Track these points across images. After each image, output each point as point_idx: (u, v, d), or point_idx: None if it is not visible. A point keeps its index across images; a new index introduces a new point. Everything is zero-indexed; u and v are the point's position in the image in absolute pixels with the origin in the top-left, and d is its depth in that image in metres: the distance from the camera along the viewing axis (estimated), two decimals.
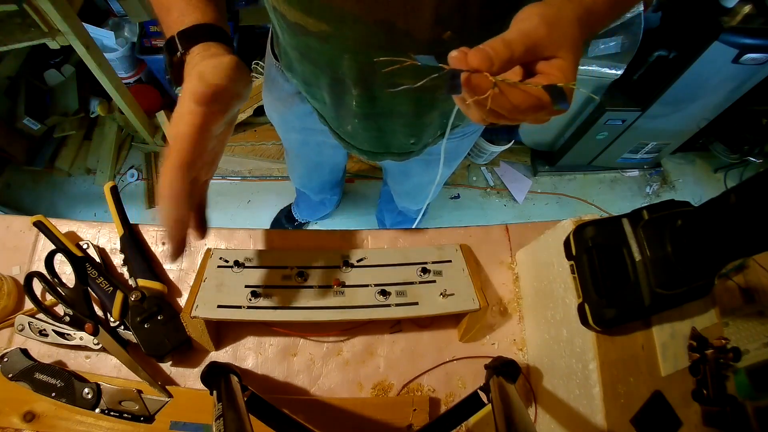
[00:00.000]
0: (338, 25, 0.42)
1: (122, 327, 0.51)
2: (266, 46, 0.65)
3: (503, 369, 0.45)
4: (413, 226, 0.66)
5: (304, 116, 0.67)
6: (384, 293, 0.50)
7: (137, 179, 1.68)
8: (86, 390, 0.47)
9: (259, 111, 1.65)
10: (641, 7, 1.11)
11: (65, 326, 0.50)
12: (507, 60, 0.30)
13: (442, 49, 0.43)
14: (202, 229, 0.42)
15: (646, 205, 0.41)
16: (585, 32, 0.34)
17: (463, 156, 0.88)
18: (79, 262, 0.51)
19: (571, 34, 0.32)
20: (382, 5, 0.39)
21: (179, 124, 0.35)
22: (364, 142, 0.65)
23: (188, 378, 0.52)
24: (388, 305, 0.49)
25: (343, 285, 0.51)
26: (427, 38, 0.42)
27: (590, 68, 1.25)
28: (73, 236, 0.57)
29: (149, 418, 0.47)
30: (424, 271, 0.52)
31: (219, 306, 0.48)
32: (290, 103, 0.68)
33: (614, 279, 0.40)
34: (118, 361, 0.49)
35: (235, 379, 0.43)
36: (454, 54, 0.30)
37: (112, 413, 0.47)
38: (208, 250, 0.54)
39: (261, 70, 1.55)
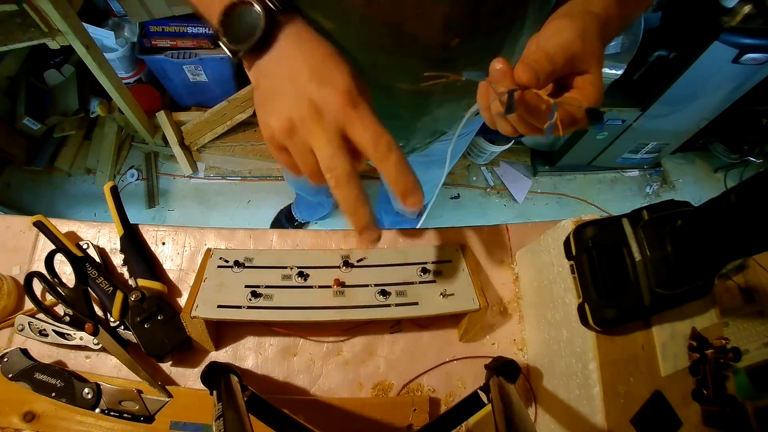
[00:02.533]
0: (344, 24, 0.41)
1: (122, 327, 0.51)
2: None
3: (503, 369, 0.45)
4: (416, 227, 0.66)
5: None
6: (384, 293, 0.50)
7: (137, 179, 1.68)
8: (86, 390, 0.47)
9: None
10: None
11: (65, 326, 0.50)
12: (550, 74, 0.31)
13: (448, 56, 0.43)
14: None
15: (646, 205, 0.41)
16: (603, 46, 0.35)
17: (458, 156, 0.88)
18: (79, 262, 0.51)
19: (598, 48, 0.33)
20: (393, 7, 0.38)
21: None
22: None
23: (188, 378, 0.52)
24: (388, 305, 0.49)
25: (343, 285, 0.51)
26: (435, 44, 0.41)
27: None
28: (73, 236, 0.57)
29: (149, 418, 0.47)
30: (424, 271, 0.52)
31: (219, 306, 0.48)
32: None
33: (614, 279, 0.40)
34: (118, 361, 0.49)
35: (235, 379, 0.43)
36: (498, 66, 0.31)
37: (112, 413, 0.47)
38: (208, 250, 0.54)
39: None
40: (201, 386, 0.45)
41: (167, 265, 0.57)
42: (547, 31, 0.33)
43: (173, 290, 0.56)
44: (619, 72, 1.25)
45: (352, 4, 0.39)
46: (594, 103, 0.32)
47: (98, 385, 0.47)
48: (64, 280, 0.51)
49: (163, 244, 0.58)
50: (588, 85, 0.33)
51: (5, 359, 0.47)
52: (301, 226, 1.64)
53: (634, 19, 0.44)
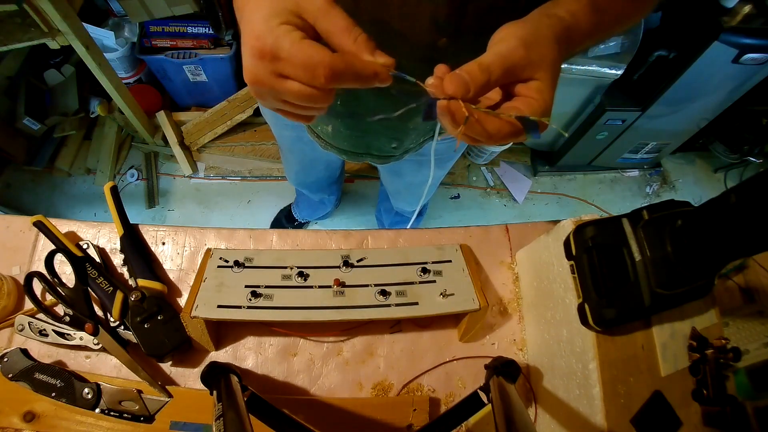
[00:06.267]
0: None
1: (122, 327, 0.51)
2: None
3: (503, 369, 0.45)
4: (407, 227, 0.66)
5: None
6: (384, 293, 0.50)
7: (137, 179, 1.68)
8: (86, 390, 0.47)
9: (260, 111, 1.65)
10: None
11: (65, 326, 0.50)
12: (483, 85, 0.30)
13: (436, 56, 0.43)
14: None
15: (646, 205, 0.41)
16: (563, 51, 0.34)
17: (456, 158, 0.88)
18: (79, 262, 0.51)
19: (549, 55, 0.32)
20: (379, 5, 0.38)
21: None
22: (344, 141, 0.64)
23: (188, 378, 0.52)
24: (388, 305, 0.49)
25: (343, 285, 0.51)
26: (423, 43, 0.41)
27: (590, 68, 1.25)
28: (73, 236, 0.57)
29: (149, 418, 0.47)
30: (424, 271, 0.52)
31: (219, 306, 0.48)
32: None
33: (614, 279, 0.40)
34: (118, 361, 0.49)
35: (235, 379, 0.43)
36: (430, 82, 0.30)
37: (112, 413, 0.47)
38: (208, 250, 0.54)
39: None
40: (201, 386, 0.45)
41: (167, 265, 0.57)
42: (495, 37, 0.32)
43: (173, 290, 0.56)
44: (619, 72, 1.26)
45: (338, 1, 0.39)
46: (539, 112, 0.31)
47: (98, 385, 0.47)
48: (64, 280, 0.51)
49: (163, 244, 0.58)
50: (532, 93, 0.31)
51: (5, 359, 0.47)
52: (301, 226, 1.64)
53: (619, 31, 0.42)
